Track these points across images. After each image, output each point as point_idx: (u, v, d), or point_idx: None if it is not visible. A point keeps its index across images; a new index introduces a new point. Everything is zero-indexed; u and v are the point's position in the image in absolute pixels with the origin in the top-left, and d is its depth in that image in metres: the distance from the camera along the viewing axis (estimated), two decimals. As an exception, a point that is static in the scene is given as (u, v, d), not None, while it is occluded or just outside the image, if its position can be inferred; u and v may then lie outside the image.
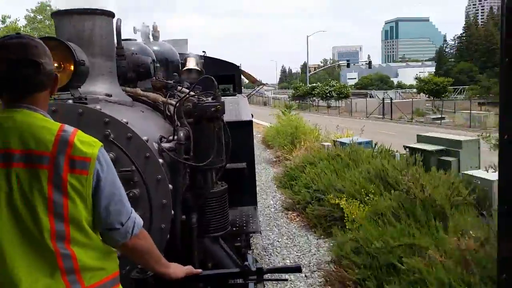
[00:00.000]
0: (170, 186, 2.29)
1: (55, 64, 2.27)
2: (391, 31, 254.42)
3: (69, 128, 1.37)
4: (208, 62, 6.06)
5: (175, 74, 3.97)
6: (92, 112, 2.15)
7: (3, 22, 22.80)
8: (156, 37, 5.04)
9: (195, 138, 2.40)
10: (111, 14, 2.70)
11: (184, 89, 3.38)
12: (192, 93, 2.57)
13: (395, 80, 76.64)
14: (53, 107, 2.15)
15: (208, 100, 2.44)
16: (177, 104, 2.49)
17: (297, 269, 1.95)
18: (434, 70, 65.83)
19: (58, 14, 2.60)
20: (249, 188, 3.27)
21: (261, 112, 37.71)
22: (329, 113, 38.19)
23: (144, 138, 2.25)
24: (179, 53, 5.03)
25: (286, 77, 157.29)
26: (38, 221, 1.27)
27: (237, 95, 5.39)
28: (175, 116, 2.54)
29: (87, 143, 1.35)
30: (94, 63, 2.51)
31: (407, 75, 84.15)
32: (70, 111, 2.14)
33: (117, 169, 2.15)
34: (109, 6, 2.79)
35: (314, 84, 49.39)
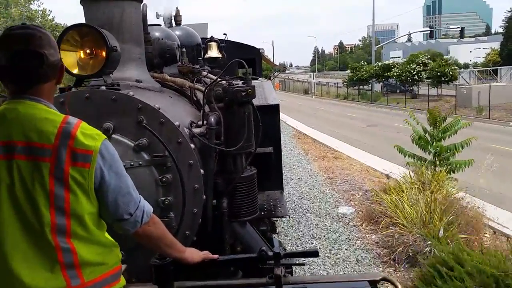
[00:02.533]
0: (202, 171, 2.32)
1: (87, 50, 2.30)
2: (433, 6, 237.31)
3: (73, 120, 1.35)
4: (229, 46, 6.03)
5: (200, 59, 3.96)
6: (126, 98, 2.18)
7: None
8: (178, 22, 5.03)
9: (226, 123, 2.41)
10: (139, 0, 2.70)
11: (210, 75, 3.37)
12: (221, 77, 2.56)
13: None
14: (86, 93, 2.19)
15: (238, 84, 2.43)
16: (207, 89, 2.49)
17: (314, 254, 1.93)
18: (500, 46, 51.40)
19: (87, 1, 2.61)
20: (275, 172, 3.27)
21: (306, 105, 28.31)
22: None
23: (176, 123, 2.27)
24: (200, 37, 5.02)
25: (319, 58, 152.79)
26: (39, 214, 1.27)
27: (260, 78, 5.36)
28: (204, 101, 2.54)
29: (89, 136, 1.33)
30: (124, 49, 2.51)
31: (460, 52, 70.49)
32: (104, 97, 2.17)
33: (150, 155, 2.21)
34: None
35: (388, 62, 33.37)
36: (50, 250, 1.28)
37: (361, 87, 34.62)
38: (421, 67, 28.24)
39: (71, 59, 2.23)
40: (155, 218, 1.53)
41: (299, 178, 8.10)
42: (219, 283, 1.85)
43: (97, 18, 2.53)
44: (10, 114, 1.32)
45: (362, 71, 33.27)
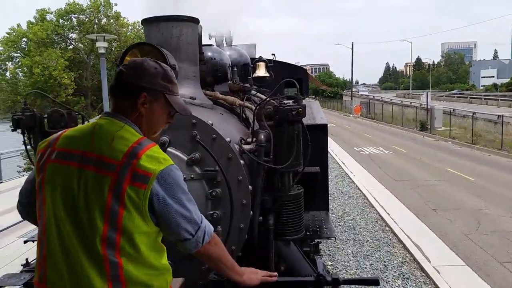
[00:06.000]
0: (250, 187, 2.35)
1: None
2: None
3: (146, 142, 1.41)
4: (277, 66, 6.14)
5: (250, 78, 4.06)
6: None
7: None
8: (229, 42, 5.21)
9: (275, 141, 2.43)
10: (196, 21, 2.84)
11: (259, 94, 3.44)
12: (269, 96, 2.60)
13: None
14: (146, 108, 2.32)
15: (289, 103, 2.46)
16: (258, 107, 2.54)
17: (374, 282, 1.88)
18: None
19: (148, 21, 2.78)
20: (321, 192, 3.24)
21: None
22: None
23: (227, 139, 2.33)
24: (250, 57, 5.15)
25: (390, 75, 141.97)
26: (93, 225, 1.34)
27: (306, 98, 5.39)
28: (255, 119, 2.59)
29: (155, 159, 1.37)
30: (180, 67, 2.65)
31: None
32: (161, 112, 2.29)
33: (202, 169, 2.29)
34: (192, 11, 2.93)
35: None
36: (99, 260, 1.33)
37: None
38: None
39: None
40: (216, 239, 1.57)
41: None
42: None
43: (157, 37, 2.69)
44: (96, 128, 1.44)
45: None
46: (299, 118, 2.40)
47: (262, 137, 2.39)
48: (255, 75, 5.38)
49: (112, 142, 1.38)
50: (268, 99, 2.54)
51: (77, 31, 25.25)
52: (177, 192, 1.39)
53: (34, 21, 23.95)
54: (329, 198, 3.58)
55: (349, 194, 9.77)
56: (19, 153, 13.86)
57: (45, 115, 2.76)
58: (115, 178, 1.33)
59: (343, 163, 14.14)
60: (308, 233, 2.90)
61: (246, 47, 6.28)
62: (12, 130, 2.73)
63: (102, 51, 12.47)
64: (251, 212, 2.34)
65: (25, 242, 3.08)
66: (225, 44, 5.18)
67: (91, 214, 1.34)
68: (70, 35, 25.66)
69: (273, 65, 5.82)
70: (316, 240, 3.58)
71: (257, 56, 6.06)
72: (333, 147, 17.42)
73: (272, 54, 6.29)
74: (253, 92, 3.46)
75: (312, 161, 2.97)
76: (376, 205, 8.71)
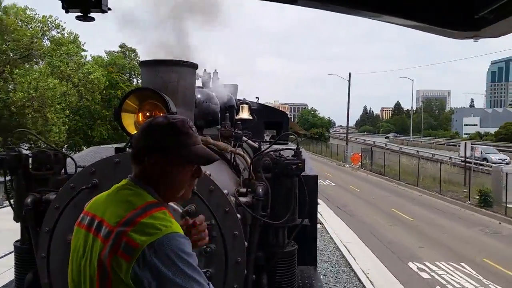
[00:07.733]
0: (246, 243, 2.24)
1: (147, 113, 2.36)
2: (499, 73, 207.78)
3: (150, 207, 1.27)
4: (259, 108, 6.21)
5: (239, 122, 4.03)
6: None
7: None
8: (214, 81, 5.21)
9: (273, 195, 2.37)
10: (195, 66, 2.81)
11: (250, 141, 3.39)
12: (267, 147, 2.56)
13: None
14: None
15: (288, 156, 2.43)
16: (255, 158, 2.49)
17: None
18: None
19: (146, 64, 2.72)
20: (309, 247, 3.16)
21: None
22: None
23: (224, 191, 2.24)
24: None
25: (367, 118, 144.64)
26: None
27: (289, 143, 5.41)
28: (251, 170, 2.53)
29: (151, 227, 1.22)
30: (177, 112, 2.57)
31: None
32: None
33: (197, 222, 2.16)
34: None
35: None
36: None
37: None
38: None
39: (130, 120, 2.28)
40: None
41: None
42: None
43: (155, 81, 2.62)
44: (112, 191, 1.35)
45: None
46: (298, 173, 2.36)
47: (260, 190, 2.32)
48: (238, 117, 5.37)
49: (116, 206, 1.28)
50: (266, 150, 2.50)
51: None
52: (177, 262, 1.21)
53: None
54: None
55: None
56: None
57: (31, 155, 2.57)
58: (106, 245, 1.22)
59: None
60: None
61: (229, 87, 6.33)
62: None
63: None
64: (245, 270, 2.22)
65: None
66: (211, 85, 5.17)
67: (86, 279, 1.26)
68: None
69: (256, 108, 5.88)
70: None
71: (239, 97, 6.12)
72: (357, 255, 8.54)
73: (256, 98, 6.37)
74: (244, 138, 3.42)
75: (301, 213, 2.91)
76: None
